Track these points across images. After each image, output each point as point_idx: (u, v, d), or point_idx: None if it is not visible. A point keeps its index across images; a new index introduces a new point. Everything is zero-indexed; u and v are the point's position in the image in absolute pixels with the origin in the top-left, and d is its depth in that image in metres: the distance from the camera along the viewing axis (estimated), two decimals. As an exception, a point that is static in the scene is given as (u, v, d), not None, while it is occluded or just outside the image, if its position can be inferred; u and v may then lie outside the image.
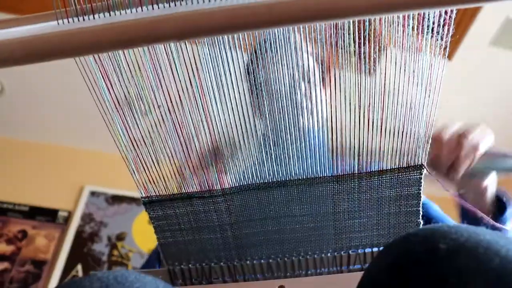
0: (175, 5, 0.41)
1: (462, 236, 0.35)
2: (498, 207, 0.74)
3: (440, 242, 0.35)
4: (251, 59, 0.49)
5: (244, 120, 0.51)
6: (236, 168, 0.55)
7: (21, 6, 2.10)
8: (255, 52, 0.49)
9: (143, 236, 2.61)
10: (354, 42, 0.47)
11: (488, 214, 0.71)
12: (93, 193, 2.70)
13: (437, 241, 0.35)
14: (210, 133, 0.52)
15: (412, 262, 0.36)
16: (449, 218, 0.83)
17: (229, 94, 0.50)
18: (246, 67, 0.50)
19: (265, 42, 0.48)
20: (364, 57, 0.49)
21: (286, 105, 0.52)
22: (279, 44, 0.49)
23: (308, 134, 0.53)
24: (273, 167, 0.55)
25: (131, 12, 0.41)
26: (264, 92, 0.51)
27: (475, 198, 0.73)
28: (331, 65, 0.49)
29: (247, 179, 0.56)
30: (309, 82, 0.54)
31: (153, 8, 0.41)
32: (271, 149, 0.54)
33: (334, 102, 0.50)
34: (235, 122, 0.51)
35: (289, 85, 0.51)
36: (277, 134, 0.53)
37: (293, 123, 0.52)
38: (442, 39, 0.47)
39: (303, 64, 0.51)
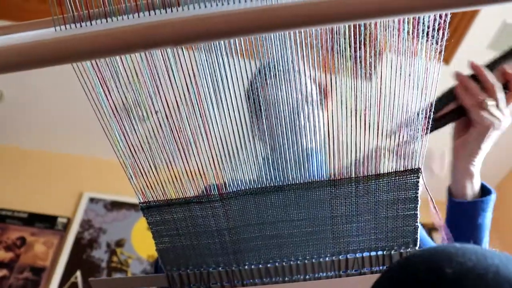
0: (171, 11, 0.41)
1: (470, 260, 0.34)
2: (482, 192, 0.76)
3: (446, 266, 0.34)
4: (253, 80, 0.50)
5: (242, 125, 0.52)
6: (234, 173, 0.56)
7: (21, 13, 2.11)
8: (258, 73, 0.50)
9: (142, 242, 2.60)
10: (350, 46, 0.47)
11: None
12: (92, 200, 2.69)
13: (442, 264, 0.34)
14: (207, 138, 0.52)
15: (415, 285, 0.35)
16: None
17: (226, 100, 0.50)
18: (247, 87, 0.51)
19: (267, 65, 0.49)
20: (360, 62, 0.49)
21: (287, 124, 0.52)
22: (280, 67, 0.49)
23: (305, 138, 0.53)
24: (270, 172, 0.55)
25: (128, 18, 0.42)
26: (263, 110, 0.52)
27: (462, 179, 0.75)
28: (328, 84, 0.50)
29: (244, 184, 0.56)
30: (308, 102, 0.54)
31: (149, 14, 0.41)
32: (268, 154, 0.54)
33: (331, 106, 0.51)
34: (233, 127, 0.52)
35: (290, 104, 0.52)
36: (274, 139, 0.53)
37: (291, 128, 0.53)
38: (437, 43, 0.47)
39: (303, 86, 0.51)
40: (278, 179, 0.55)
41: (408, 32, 0.47)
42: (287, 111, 0.52)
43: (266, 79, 0.50)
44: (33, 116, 2.61)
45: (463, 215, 0.75)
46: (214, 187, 0.56)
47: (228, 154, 0.53)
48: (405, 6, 0.36)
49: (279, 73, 0.50)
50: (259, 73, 0.50)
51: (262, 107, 0.52)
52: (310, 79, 0.53)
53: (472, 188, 0.75)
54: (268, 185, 0.56)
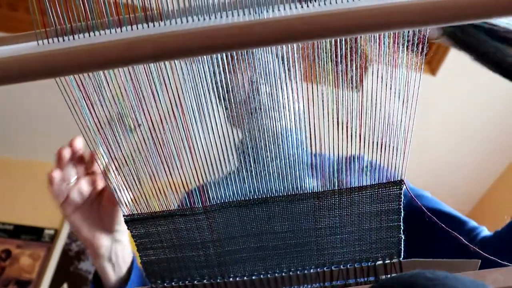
0: (154, 25, 0.41)
1: None
2: None
3: None
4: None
5: (224, 138, 0.52)
6: (217, 186, 0.56)
7: (9, 23, 2.10)
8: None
9: (130, 253, 2.58)
10: (331, 60, 0.48)
11: None
12: (80, 211, 2.66)
13: None
14: (191, 152, 0.52)
15: None
16: (444, 205, 0.76)
17: (209, 113, 0.50)
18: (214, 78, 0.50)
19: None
20: (342, 75, 0.49)
21: (260, 109, 0.52)
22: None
23: (288, 151, 0.54)
24: (254, 184, 0.55)
25: (110, 32, 0.42)
26: (236, 100, 0.51)
27: None
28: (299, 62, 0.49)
29: (228, 197, 0.56)
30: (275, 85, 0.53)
31: (132, 29, 0.42)
32: (251, 166, 0.54)
33: (313, 117, 0.51)
34: (216, 140, 0.52)
35: (253, 88, 0.51)
36: (257, 151, 0.53)
37: (273, 137, 0.53)
38: (417, 56, 0.48)
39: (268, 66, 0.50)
40: (261, 192, 0.56)
41: (388, 45, 0.48)
42: (256, 97, 0.51)
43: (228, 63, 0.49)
44: (19, 127, 2.59)
45: None
46: (197, 193, 0.56)
47: (212, 167, 0.53)
48: (382, 23, 0.36)
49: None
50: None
51: (234, 98, 0.51)
52: (278, 56, 0.52)
53: None
54: (252, 198, 0.56)
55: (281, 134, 0.52)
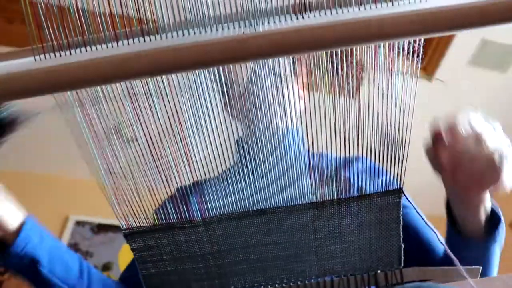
0: (150, 39, 0.41)
1: None
2: (490, 224, 0.62)
3: None
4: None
5: (222, 150, 0.52)
6: (216, 198, 0.55)
7: (6, 36, 2.11)
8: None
9: (130, 265, 2.56)
10: (328, 71, 0.48)
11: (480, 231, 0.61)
12: (78, 223, 2.66)
13: None
14: (189, 164, 0.52)
15: None
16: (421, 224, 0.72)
17: (207, 125, 0.50)
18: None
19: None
20: (338, 85, 0.50)
21: (260, 103, 0.51)
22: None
23: (286, 162, 0.54)
24: (253, 195, 0.55)
25: (107, 47, 0.42)
26: (235, 94, 0.50)
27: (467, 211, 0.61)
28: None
29: (227, 208, 0.56)
30: (279, 80, 0.52)
31: (128, 43, 0.42)
32: (250, 178, 0.54)
33: (311, 125, 0.51)
34: (214, 152, 0.52)
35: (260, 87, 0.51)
36: (255, 163, 0.53)
37: (273, 134, 0.52)
38: (412, 65, 0.48)
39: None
40: (260, 203, 0.56)
41: (384, 55, 0.48)
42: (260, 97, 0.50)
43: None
44: (16, 139, 2.58)
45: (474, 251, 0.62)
46: (197, 212, 0.56)
47: (210, 178, 0.53)
48: (377, 34, 0.37)
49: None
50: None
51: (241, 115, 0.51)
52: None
53: (482, 220, 0.62)
54: (250, 209, 0.56)
55: (281, 132, 0.52)
